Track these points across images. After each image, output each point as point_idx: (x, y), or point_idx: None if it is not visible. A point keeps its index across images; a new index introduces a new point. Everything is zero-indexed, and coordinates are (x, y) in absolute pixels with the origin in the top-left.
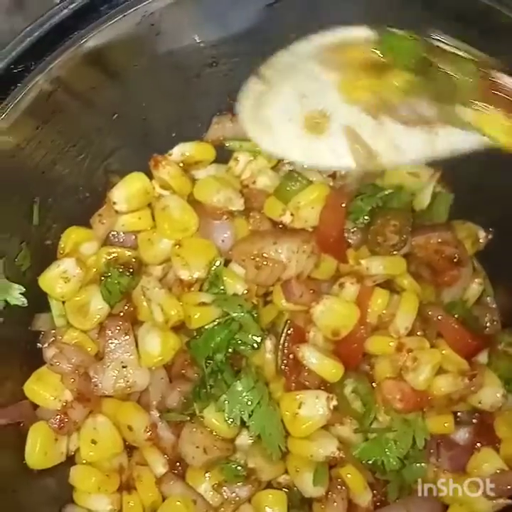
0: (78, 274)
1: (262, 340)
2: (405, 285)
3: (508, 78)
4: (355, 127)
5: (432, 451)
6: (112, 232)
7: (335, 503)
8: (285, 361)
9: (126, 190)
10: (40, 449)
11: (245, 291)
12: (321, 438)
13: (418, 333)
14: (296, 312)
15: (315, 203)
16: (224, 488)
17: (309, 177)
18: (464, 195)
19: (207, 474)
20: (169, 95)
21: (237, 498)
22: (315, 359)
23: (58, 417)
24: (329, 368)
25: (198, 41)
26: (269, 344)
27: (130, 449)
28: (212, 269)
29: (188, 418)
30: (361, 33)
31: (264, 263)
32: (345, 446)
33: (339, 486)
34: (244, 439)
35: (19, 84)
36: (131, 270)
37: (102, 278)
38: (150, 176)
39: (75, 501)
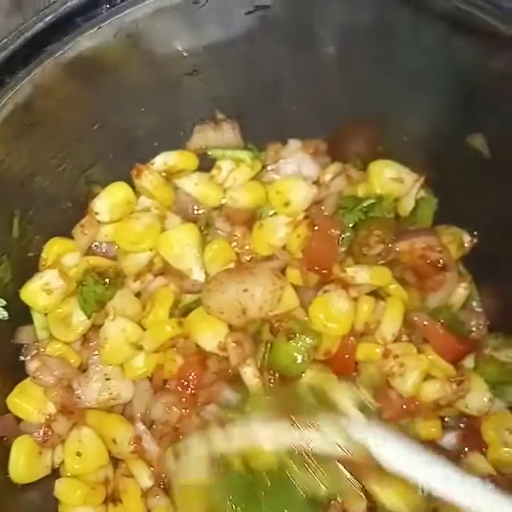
0: (61, 286)
1: None
2: (391, 291)
3: None
4: None
5: None
6: (95, 243)
7: None
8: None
9: (109, 200)
10: (24, 463)
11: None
12: None
13: (403, 339)
14: None
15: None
16: None
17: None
18: (448, 199)
19: None
20: (151, 104)
21: None
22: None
23: (42, 430)
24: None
25: (179, 50)
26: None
27: (116, 460)
28: None
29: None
30: None
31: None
32: None
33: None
34: None
35: None
36: (106, 280)
37: (79, 286)
38: (132, 186)
39: None
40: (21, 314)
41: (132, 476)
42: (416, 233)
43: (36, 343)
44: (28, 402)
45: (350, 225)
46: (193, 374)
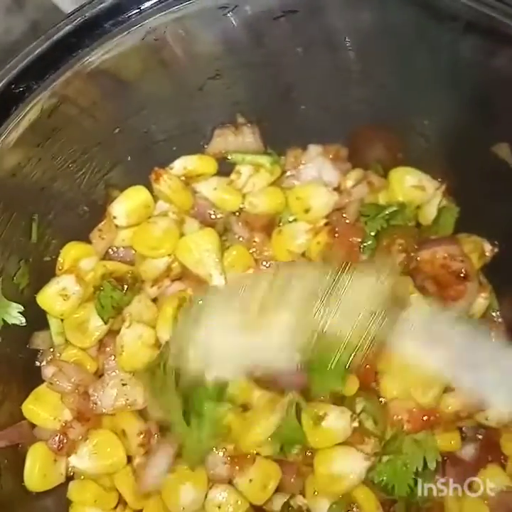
0: (77, 292)
1: None
2: (412, 300)
3: None
4: None
5: None
6: (112, 248)
7: None
8: None
9: (127, 204)
10: (39, 471)
11: None
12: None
13: None
14: None
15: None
16: None
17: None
18: (468, 207)
19: None
20: (171, 108)
21: None
22: None
23: (57, 437)
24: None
25: (204, 54)
26: None
27: None
28: None
29: None
30: None
31: None
32: None
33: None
34: None
35: (21, 104)
36: (124, 285)
37: (96, 292)
38: (150, 190)
39: None
40: (37, 319)
41: None
42: (437, 242)
43: (52, 349)
44: (44, 408)
45: (372, 233)
46: None
